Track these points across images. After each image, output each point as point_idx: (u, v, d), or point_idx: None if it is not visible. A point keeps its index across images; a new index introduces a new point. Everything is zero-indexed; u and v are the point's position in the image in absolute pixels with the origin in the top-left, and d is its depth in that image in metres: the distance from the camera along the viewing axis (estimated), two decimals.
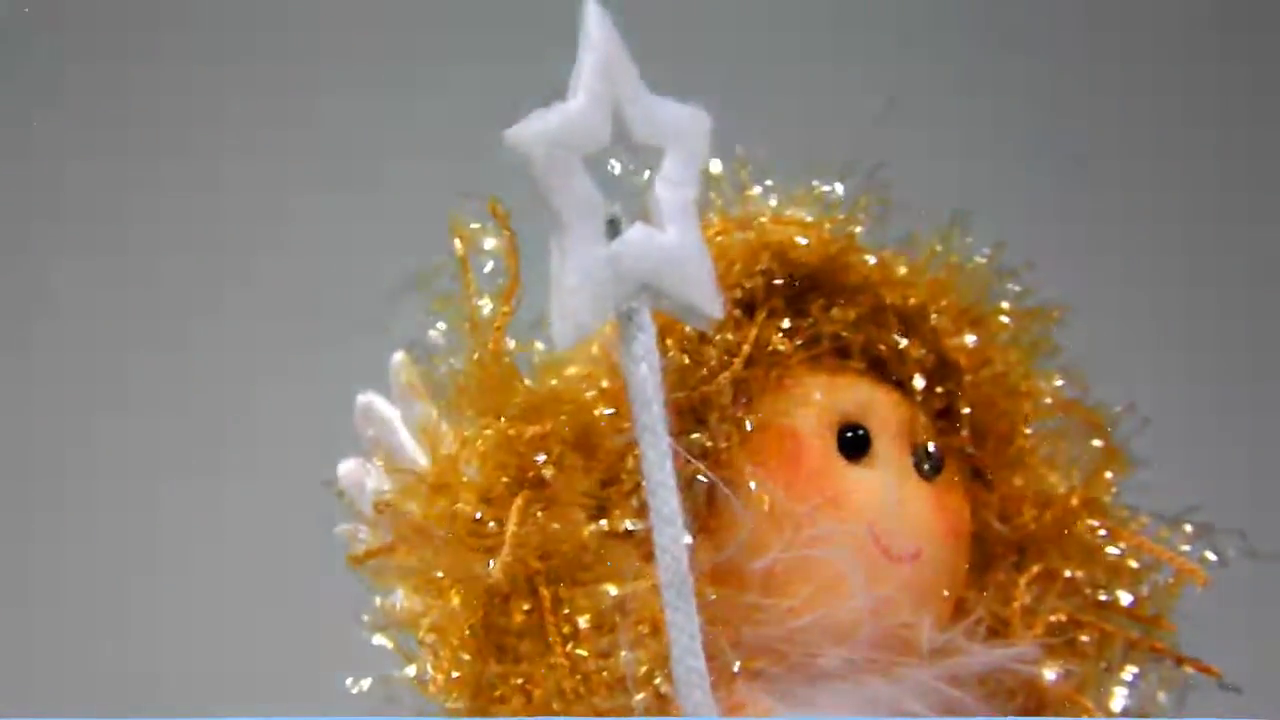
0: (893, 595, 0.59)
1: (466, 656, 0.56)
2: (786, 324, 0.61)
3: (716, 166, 0.64)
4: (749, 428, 0.59)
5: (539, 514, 0.55)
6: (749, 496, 0.59)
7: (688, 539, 0.54)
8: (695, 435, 0.59)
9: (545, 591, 0.56)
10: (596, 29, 0.55)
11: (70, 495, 1.23)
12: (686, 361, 0.59)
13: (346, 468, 0.62)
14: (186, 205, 1.27)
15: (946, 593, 0.61)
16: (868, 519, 0.59)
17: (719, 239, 0.62)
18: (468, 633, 0.56)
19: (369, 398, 0.63)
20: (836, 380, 0.62)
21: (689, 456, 0.57)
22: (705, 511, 0.58)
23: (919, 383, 0.62)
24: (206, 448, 1.20)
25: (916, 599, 0.60)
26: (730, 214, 0.63)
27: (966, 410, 0.63)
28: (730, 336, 0.60)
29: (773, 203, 0.64)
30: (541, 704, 0.55)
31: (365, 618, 0.58)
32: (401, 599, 0.58)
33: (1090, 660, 0.62)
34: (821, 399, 0.61)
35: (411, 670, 0.57)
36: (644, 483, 0.54)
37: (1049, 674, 0.60)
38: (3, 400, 1.26)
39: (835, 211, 0.64)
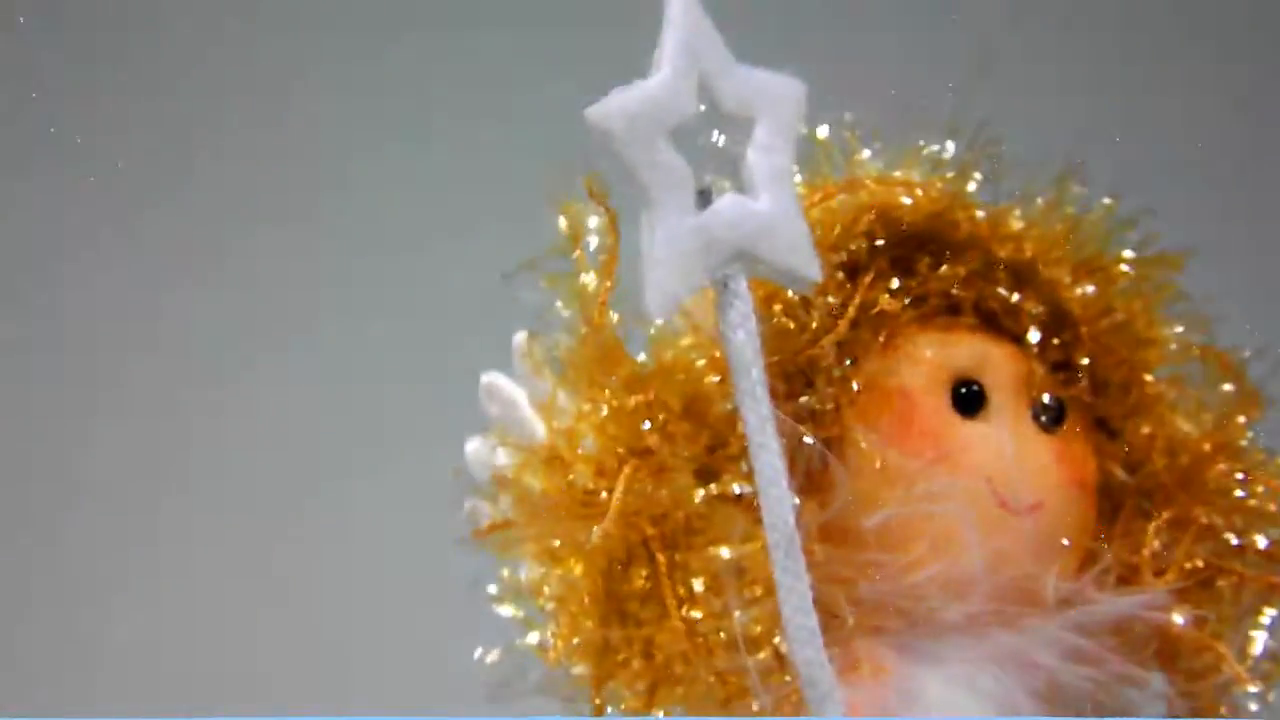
0: (1012, 548, 0.59)
1: (588, 623, 0.58)
2: (895, 284, 0.62)
3: (824, 132, 0.64)
4: (855, 389, 0.60)
5: (648, 482, 0.57)
6: (861, 457, 0.60)
7: (794, 499, 0.55)
8: (804, 399, 0.60)
9: (661, 557, 0.57)
10: (678, 5, 0.57)
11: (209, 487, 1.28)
12: (791, 326, 0.60)
13: (472, 446, 0.64)
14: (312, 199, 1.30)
15: (1070, 543, 0.60)
16: (985, 473, 0.59)
17: (824, 204, 0.62)
18: (587, 600, 0.57)
19: (492, 377, 0.65)
20: (948, 337, 0.62)
21: (791, 421, 0.58)
22: (819, 473, 0.59)
23: (1034, 336, 0.62)
24: (342, 437, 1.24)
25: (1039, 551, 0.60)
26: (835, 179, 0.63)
27: (1086, 361, 0.63)
28: (834, 300, 0.61)
29: (880, 166, 0.64)
30: (662, 666, 0.57)
31: (492, 590, 0.60)
32: (525, 570, 0.60)
33: (1226, 604, 0.61)
34: (932, 356, 0.61)
35: (535, 638, 0.58)
36: (748, 447, 0.55)
37: (1180, 619, 0.60)
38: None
39: (943, 170, 0.64)
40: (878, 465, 0.59)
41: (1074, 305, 0.63)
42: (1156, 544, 0.61)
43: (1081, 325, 0.63)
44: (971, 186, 0.63)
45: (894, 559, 0.58)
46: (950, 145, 0.64)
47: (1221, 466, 0.63)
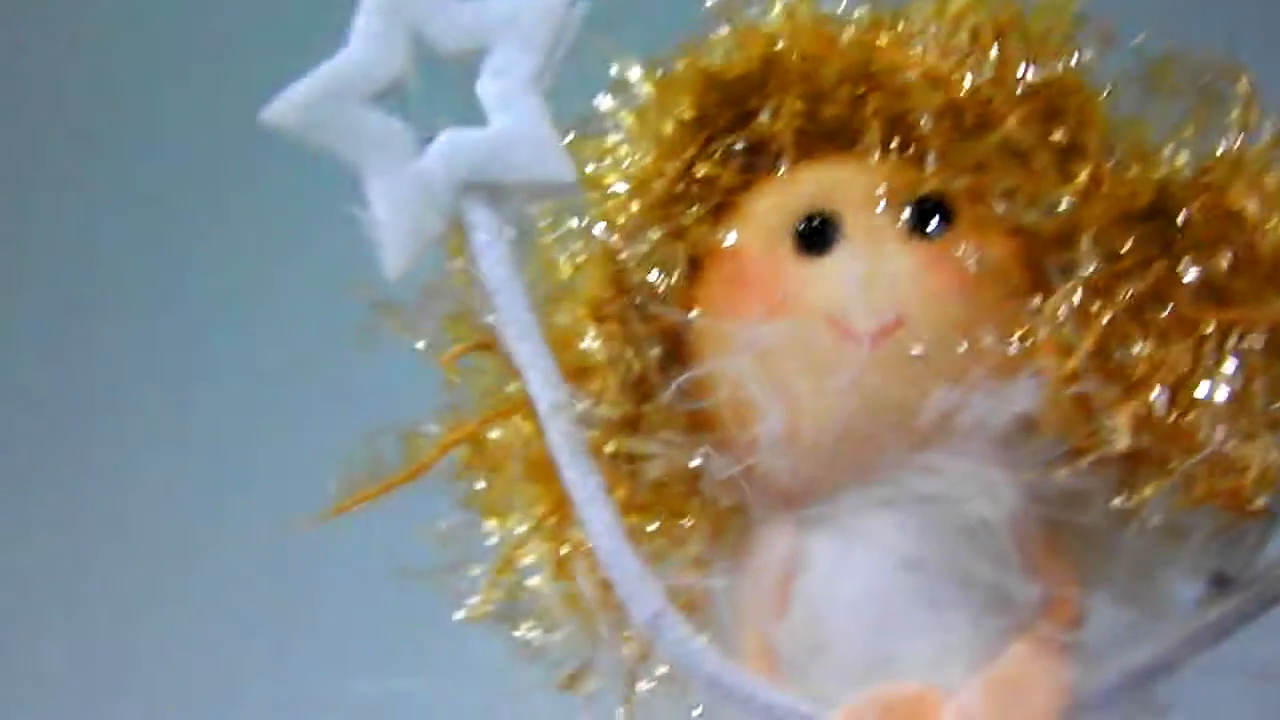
0: (869, 378, 0.52)
1: None
2: (739, 144, 0.58)
3: None
4: (685, 266, 0.56)
5: None
6: (702, 335, 0.56)
7: (573, 406, 0.54)
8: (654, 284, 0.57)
9: None
10: None
11: None
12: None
13: None
14: None
15: (948, 353, 0.53)
16: (826, 308, 0.53)
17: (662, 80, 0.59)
18: None
19: None
20: (791, 178, 0.56)
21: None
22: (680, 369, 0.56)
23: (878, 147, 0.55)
24: None
25: (906, 372, 0.53)
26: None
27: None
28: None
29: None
30: None
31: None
32: None
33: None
34: (768, 205, 0.56)
35: None
36: (517, 367, 0.54)
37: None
38: None
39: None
40: (715, 336, 0.55)
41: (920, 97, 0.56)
42: (1066, 306, 0.52)
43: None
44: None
45: (743, 432, 0.54)
46: None
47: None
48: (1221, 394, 0.50)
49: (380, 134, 0.56)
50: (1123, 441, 0.48)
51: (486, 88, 0.56)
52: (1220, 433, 0.47)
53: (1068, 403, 0.51)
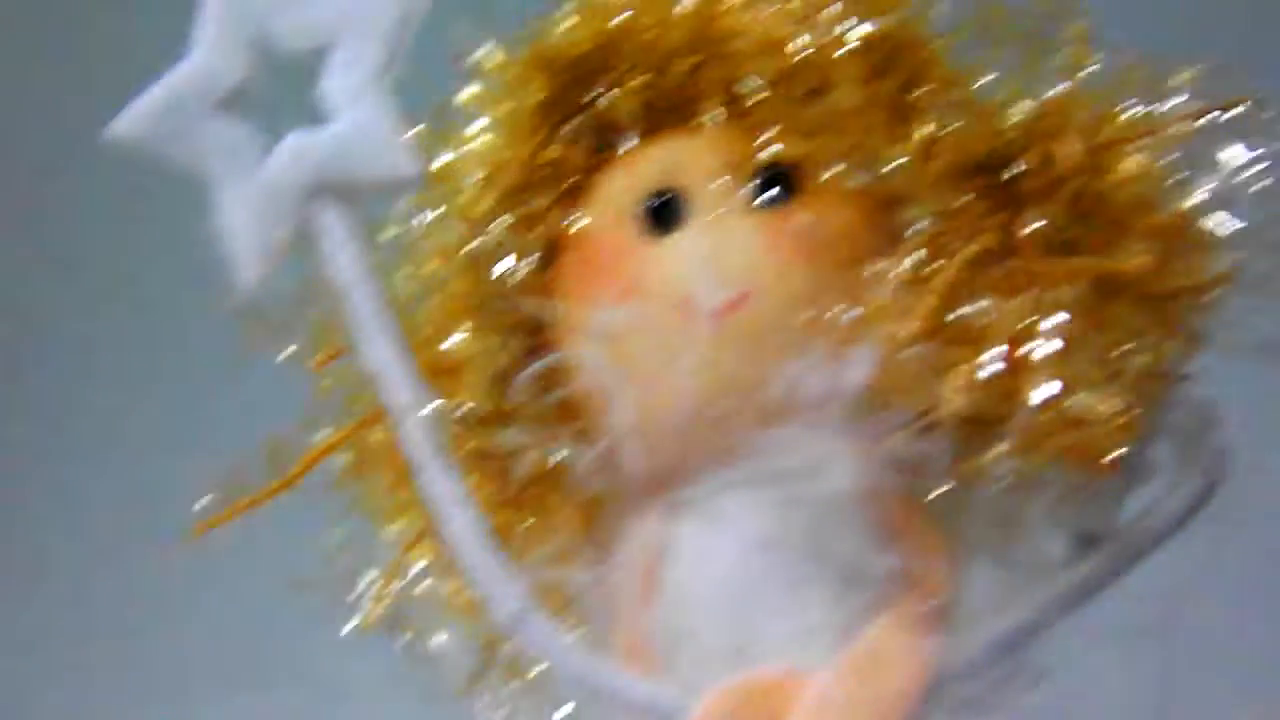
0: (720, 355, 0.51)
1: None
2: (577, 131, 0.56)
3: None
4: (536, 257, 0.55)
5: None
6: (563, 325, 0.55)
7: (424, 406, 0.53)
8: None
9: None
10: None
11: None
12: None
13: None
14: None
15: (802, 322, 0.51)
16: (674, 286, 0.52)
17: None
18: None
19: None
20: (637, 157, 0.55)
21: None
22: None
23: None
24: None
25: (756, 345, 0.51)
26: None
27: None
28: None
29: None
30: None
31: None
32: None
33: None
34: (614, 187, 0.55)
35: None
36: (370, 372, 0.53)
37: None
38: None
39: None
40: (572, 324, 0.54)
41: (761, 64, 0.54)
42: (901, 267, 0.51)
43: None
44: None
45: (602, 420, 0.53)
46: None
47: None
48: (1051, 347, 0.48)
49: (225, 142, 0.55)
50: (955, 405, 0.46)
51: (331, 85, 0.55)
52: (1053, 387, 0.45)
53: (904, 368, 0.49)
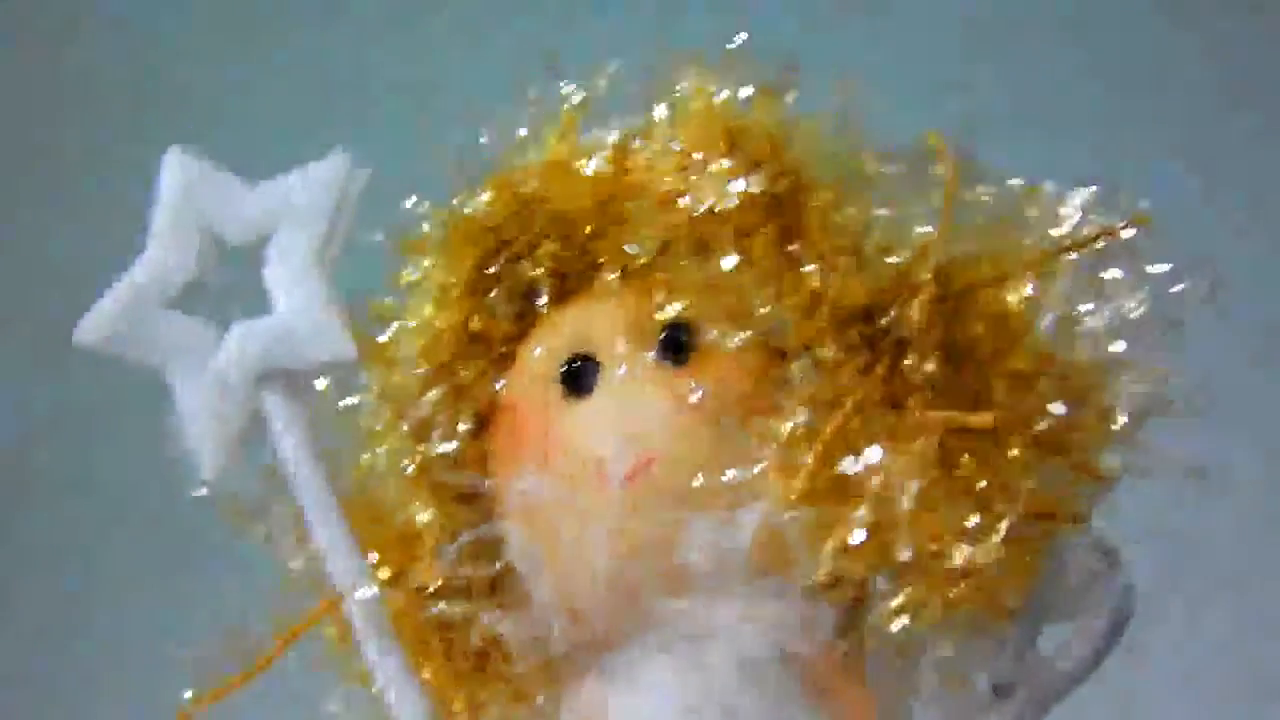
0: (632, 523, 0.51)
1: None
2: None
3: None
4: (462, 429, 0.56)
5: None
6: (496, 498, 0.55)
7: (369, 590, 0.53)
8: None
9: None
10: (167, 166, 0.58)
11: None
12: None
13: None
14: None
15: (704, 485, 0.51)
16: (592, 453, 0.53)
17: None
18: None
19: None
20: (559, 318, 0.56)
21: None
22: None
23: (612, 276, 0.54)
24: None
25: (658, 513, 0.51)
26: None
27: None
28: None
29: None
30: None
31: None
32: None
33: None
34: (536, 353, 0.56)
35: None
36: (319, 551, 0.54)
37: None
38: None
39: None
40: (508, 498, 0.54)
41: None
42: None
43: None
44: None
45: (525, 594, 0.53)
46: None
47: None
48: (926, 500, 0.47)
49: (180, 337, 0.57)
50: (833, 567, 0.46)
51: (271, 273, 0.58)
52: (927, 541, 0.44)
53: (786, 530, 0.49)
